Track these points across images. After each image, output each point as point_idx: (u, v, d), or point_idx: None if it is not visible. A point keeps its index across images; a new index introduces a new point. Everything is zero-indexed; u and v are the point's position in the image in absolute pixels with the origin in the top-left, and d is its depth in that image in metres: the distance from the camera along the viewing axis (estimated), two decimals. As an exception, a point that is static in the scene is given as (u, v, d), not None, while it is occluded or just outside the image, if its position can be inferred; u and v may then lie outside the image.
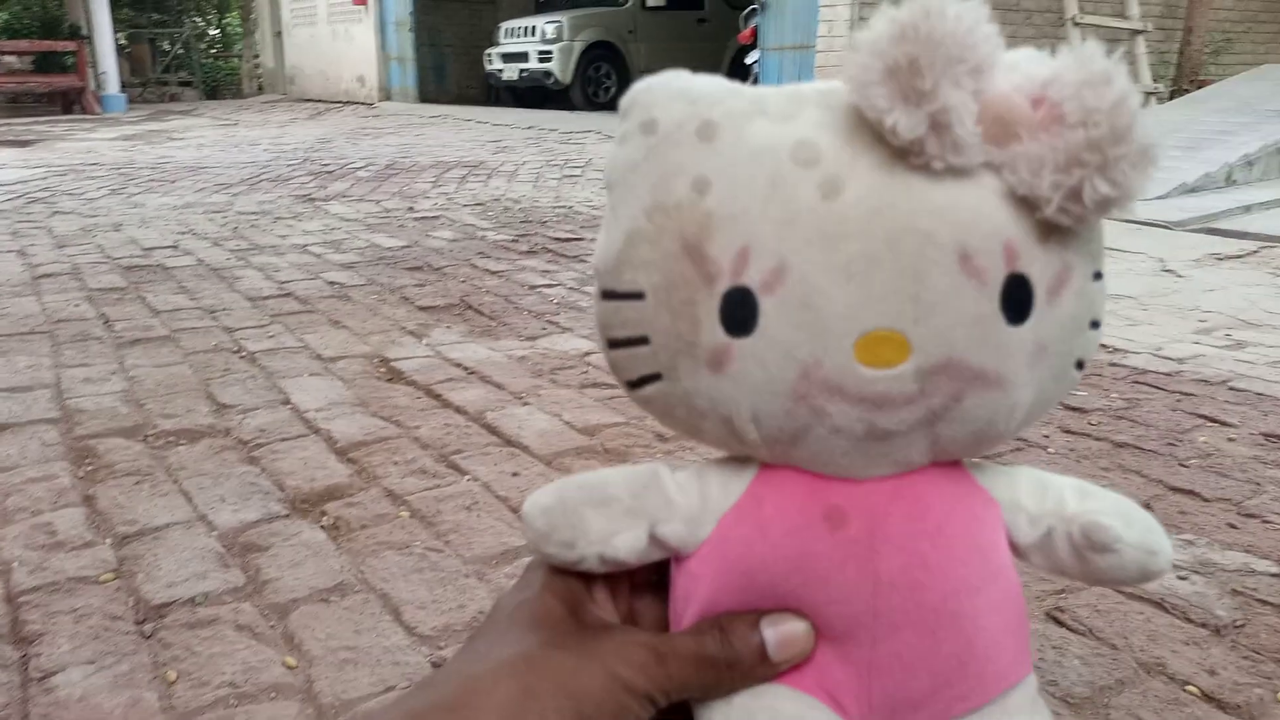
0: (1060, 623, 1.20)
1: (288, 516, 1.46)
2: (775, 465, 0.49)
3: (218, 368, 2.14)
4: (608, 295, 0.48)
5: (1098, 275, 0.47)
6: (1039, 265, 0.44)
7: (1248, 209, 4.19)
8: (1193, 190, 4.48)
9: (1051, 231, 0.44)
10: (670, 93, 0.48)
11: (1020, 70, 0.45)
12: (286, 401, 1.93)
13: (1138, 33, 6.80)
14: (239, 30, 17.05)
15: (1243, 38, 8.54)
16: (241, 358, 2.21)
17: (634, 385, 0.49)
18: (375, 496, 1.51)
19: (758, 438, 0.47)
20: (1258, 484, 1.58)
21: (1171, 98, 6.73)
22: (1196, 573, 1.31)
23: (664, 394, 0.48)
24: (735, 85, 0.50)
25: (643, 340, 0.47)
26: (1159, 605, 1.23)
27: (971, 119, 0.42)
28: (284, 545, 1.38)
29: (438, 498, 1.50)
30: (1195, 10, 7.22)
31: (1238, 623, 1.19)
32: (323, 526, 1.43)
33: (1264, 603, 1.24)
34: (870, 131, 0.43)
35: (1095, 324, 0.47)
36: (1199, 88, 6.71)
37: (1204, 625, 1.19)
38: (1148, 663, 1.12)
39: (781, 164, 0.44)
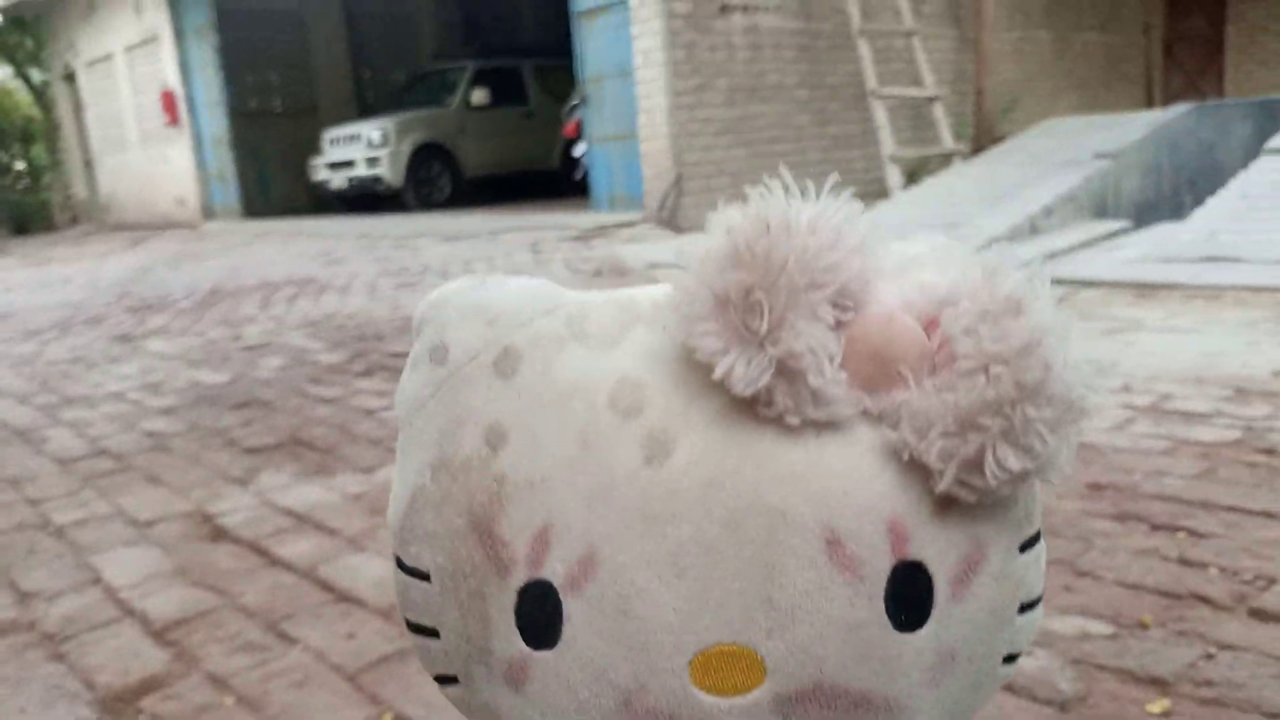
0: None
1: (97, 721, 1.32)
2: None
3: (20, 549, 1.96)
4: (399, 564, 0.39)
5: (1029, 544, 0.36)
6: (937, 548, 0.32)
7: (1052, 255, 4.47)
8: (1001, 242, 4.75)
9: (953, 503, 0.32)
10: (466, 309, 0.39)
11: (916, 277, 0.35)
12: (97, 580, 1.78)
13: (933, 99, 7.26)
14: (46, 162, 16.31)
15: (1027, 95, 9.24)
16: (48, 534, 2.04)
17: (437, 680, 0.40)
18: (196, 684, 1.39)
19: None
20: (1087, 539, 1.63)
21: (973, 155, 7.18)
22: (1040, 645, 1.33)
23: (464, 701, 0.39)
24: (554, 293, 0.40)
25: (435, 632, 0.37)
26: (1007, 688, 1.24)
27: (833, 362, 0.32)
28: (92, 757, 1.24)
29: (265, 676, 1.39)
30: (982, 74, 7.77)
31: (1080, 695, 1.21)
32: (137, 727, 1.30)
33: (1102, 668, 1.26)
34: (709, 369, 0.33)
35: (1028, 605, 0.37)
36: (996, 144, 7.19)
37: (1049, 702, 1.20)
38: (1002, 753, 1.12)
39: (596, 413, 0.34)
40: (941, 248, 0.37)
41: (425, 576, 0.37)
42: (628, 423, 0.33)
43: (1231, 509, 1.69)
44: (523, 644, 0.34)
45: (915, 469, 0.32)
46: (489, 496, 0.34)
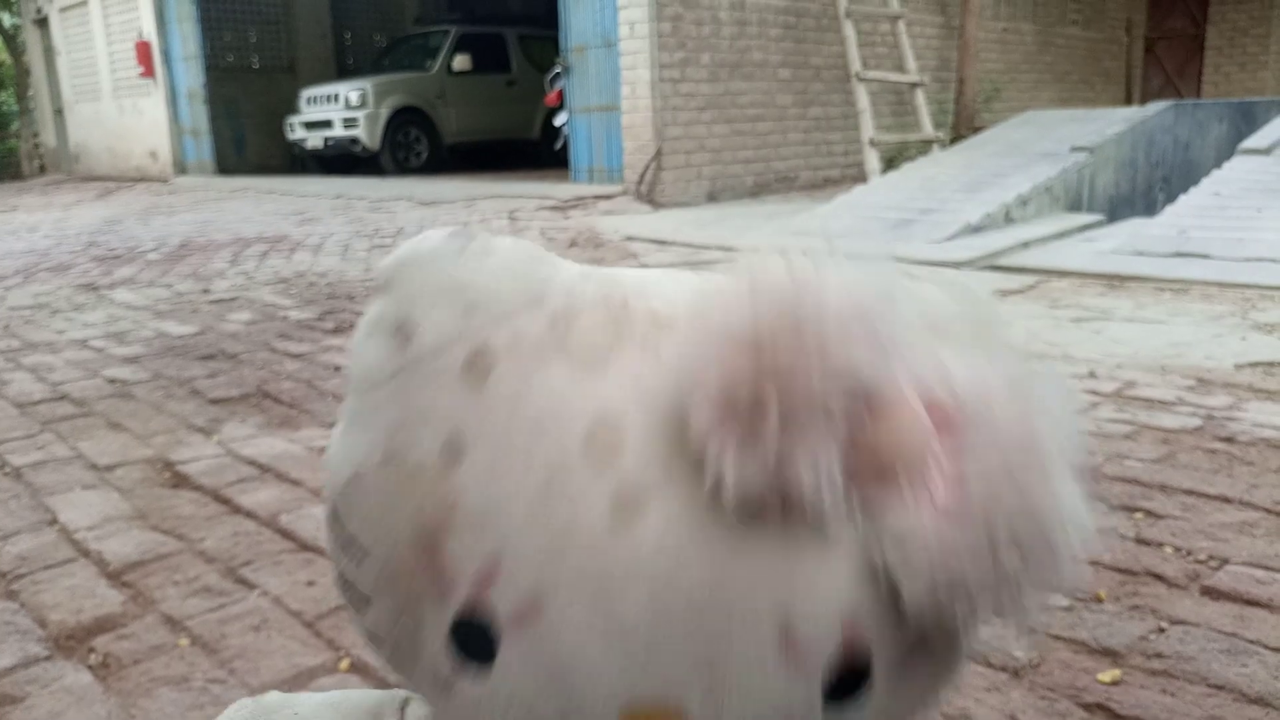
0: (871, 683, 1.20)
1: (49, 658, 1.31)
2: None
3: (-25, 488, 1.93)
4: (332, 521, 0.36)
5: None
6: (883, 641, 0.32)
7: (1026, 245, 4.50)
8: (977, 230, 4.77)
9: (908, 620, 0.31)
10: (443, 285, 0.34)
11: (934, 354, 0.32)
12: (54, 521, 1.75)
13: (915, 85, 7.27)
14: (15, 109, 15.97)
15: (1009, 86, 9.29)
16: (5, 475, 2.01)
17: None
18: (151, 625, 1.38)
19: None
20: (1046, 516, 1.65)
21: (952, 143, 7.21)
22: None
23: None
24: (542, 272, 0.36)
25: (366, 601, 0.36)
26: (962, 653, 1.25)
27: (836, 481, 0.29)
28: (43, 693, 1.23)
29: (222, 619, 1.38)
30: (965, 63, 7.79)
31: (1033, 662, 1.23)
32: (90, 666, 1.28)
33: (1056, 638, 1.28)
34: None
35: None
36: (975, 133, 7.21)
37: (1003, 669, 1.22)
38: (954, 716, 1.13)
39: (568, 454, 0.31)
40: (958, 294, 0.35)
41: (361, 552, 0.35)
42: (599, 473, 0.31)
43: (1189, 492, 1.72)
44: (451, 667, 0.33)
45: (882, 575, 0.31)
46: (440, 513, 0.32)
